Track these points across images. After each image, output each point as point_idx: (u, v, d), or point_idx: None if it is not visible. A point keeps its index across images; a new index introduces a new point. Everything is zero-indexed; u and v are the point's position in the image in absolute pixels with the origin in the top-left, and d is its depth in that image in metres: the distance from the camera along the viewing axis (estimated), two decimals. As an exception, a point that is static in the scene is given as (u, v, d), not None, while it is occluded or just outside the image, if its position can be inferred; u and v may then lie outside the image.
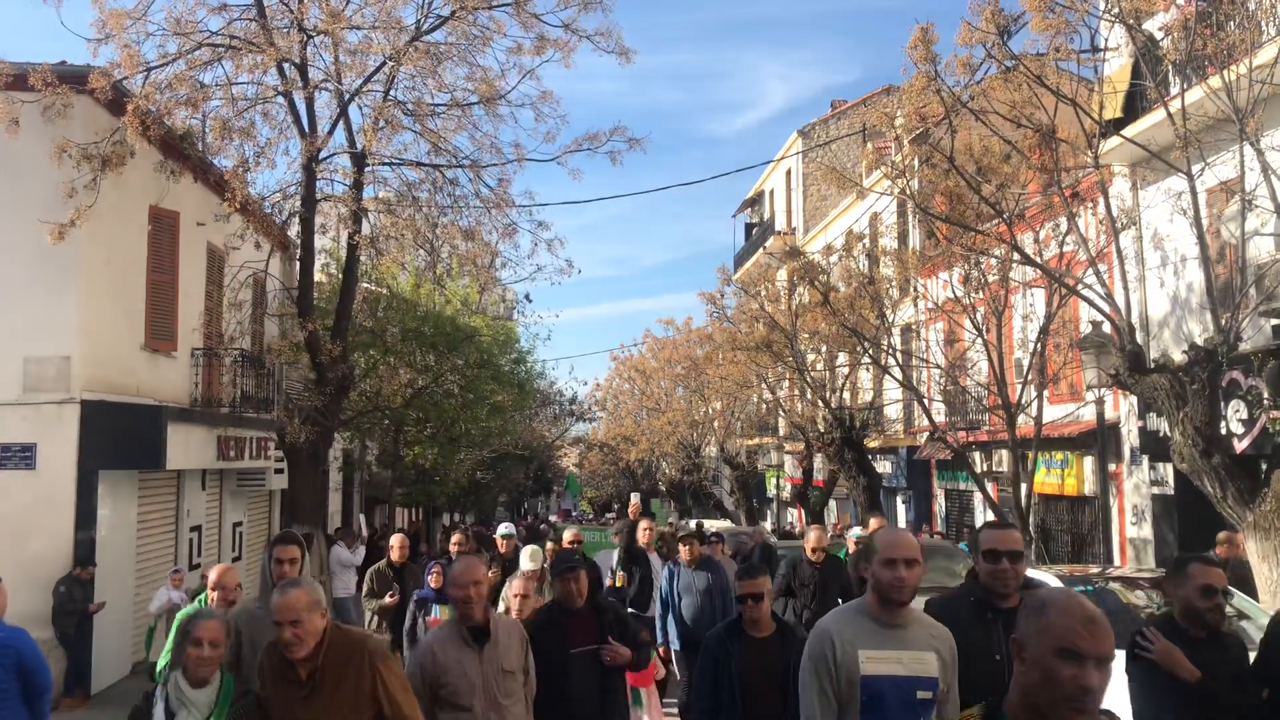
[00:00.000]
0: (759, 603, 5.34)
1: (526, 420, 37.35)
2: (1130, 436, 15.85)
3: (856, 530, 11.00)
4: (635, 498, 21.06)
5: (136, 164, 12.79)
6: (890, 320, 19.29)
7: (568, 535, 10.74)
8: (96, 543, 12.88)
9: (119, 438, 13.12)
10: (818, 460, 24.89)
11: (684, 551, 9.57)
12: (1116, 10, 10.15)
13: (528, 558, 8.96)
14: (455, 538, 11.28)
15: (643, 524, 11.57)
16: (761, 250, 34.30)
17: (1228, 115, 9.22)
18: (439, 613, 8.23)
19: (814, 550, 9.56)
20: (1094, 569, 10.18)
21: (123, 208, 13.59)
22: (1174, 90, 10.57)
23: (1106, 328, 11.17)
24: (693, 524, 23.72)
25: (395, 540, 11.24)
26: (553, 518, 50.99)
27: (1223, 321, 9.32)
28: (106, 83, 11.95)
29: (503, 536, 11.29)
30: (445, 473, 27.23)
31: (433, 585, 8.78)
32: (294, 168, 14.04)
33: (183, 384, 15.60)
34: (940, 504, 24.02)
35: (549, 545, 12.02)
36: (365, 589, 10.86)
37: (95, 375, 13.14)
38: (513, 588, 6.75)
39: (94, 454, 12.88)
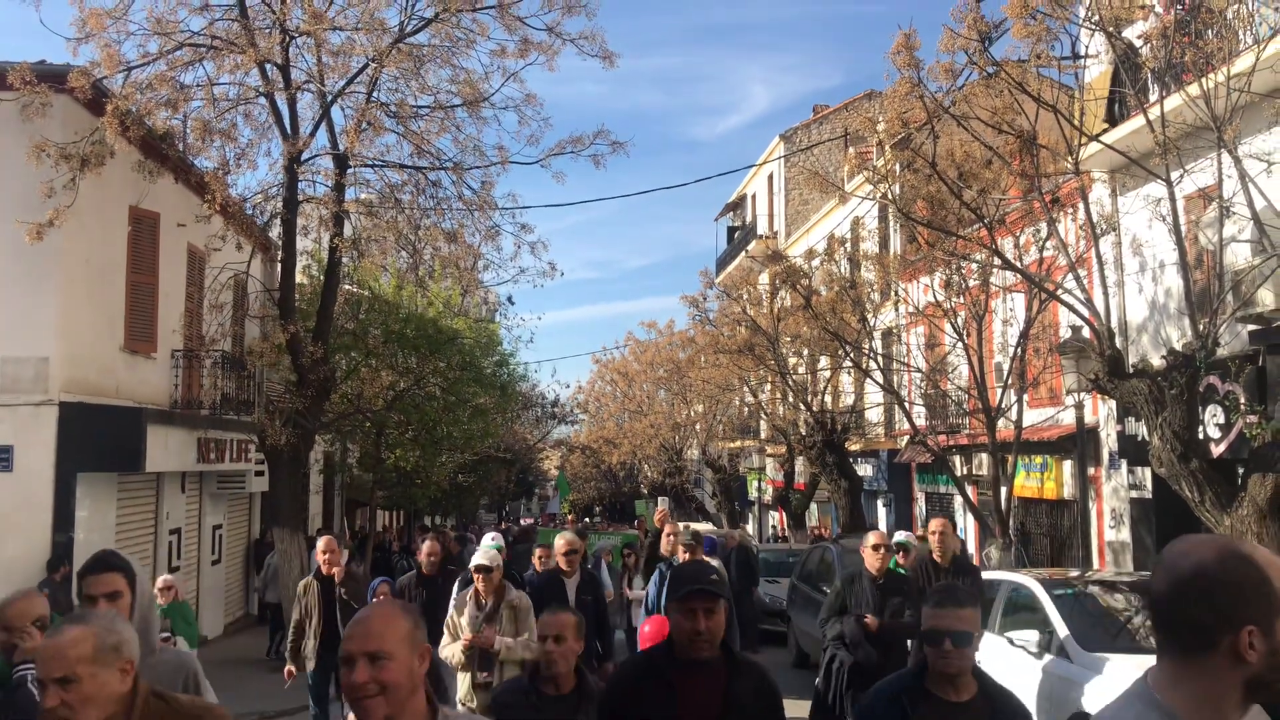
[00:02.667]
0: (963, 647, 3.37)
1: (508, 423, 37.23)
2: (1109, 441, 15.96)
3: (902, 535, 9.38)
4: (663, 503, 20.56)
5: (116, 164, 12.70)
6: (871, 324, 19.38)
7: (560, 544, 8.17)
8: (74, 545, 12.77)
9: (98, 440, 13.01)
10: (799, 463, 24.96)
11: (683, 557, 8.65)
12: (1096, 18, 10.24)
13: (482, 554, 6.90)
14: (427, 546, 8.94)
15: (667, 529, 10.65)
16: (743, 254, 34.37)
17: (1206, 123, 9.31)
18: None
19: (942, 553, 8.14)
20: (1073, 572, 10.26)
21: (102, 208, 13.49)
22: (1153, 97, 10.67)
23: (1086, 333, 11.26)
24: (681, 526, 23.73)
25: (321, 545, 8.78)
26: (525, 521, 49.98)
27: (1200, 327, 9.41)
28: (86, 82, 11.86)
29: (478, 569, 6.91)
30: (427, 475, 27.10)
31: None
32: (276, 169, 14.01)
33: (163, 386, 15.49)
34: (921, 507, 24.10)
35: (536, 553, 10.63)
36: (295, 611, 8.59)
37: (74, 377, 13.03)
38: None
39: (72, 456, 12.77)
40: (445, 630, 6.78)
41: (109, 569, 3.68)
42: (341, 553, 13.70)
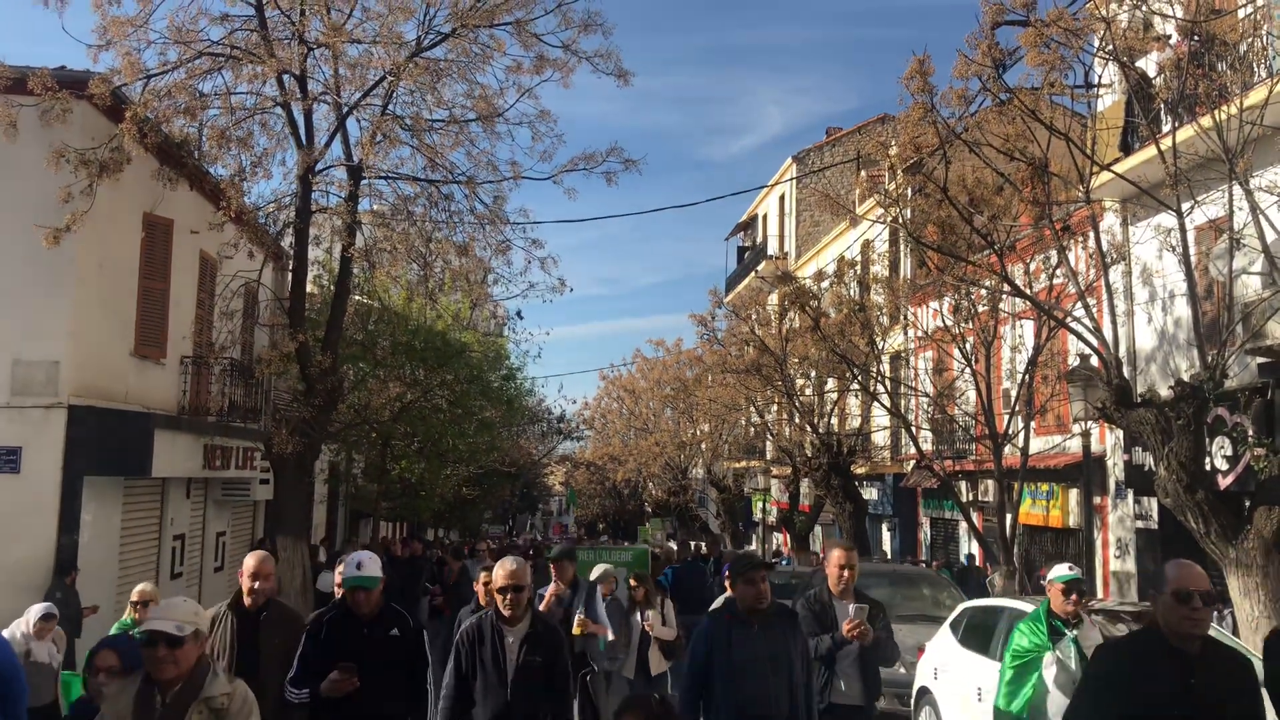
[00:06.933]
0: None
1: (514, 437, 37.28)
2: (1116, 470, 15.91)
3: (1063, 570, 6.07)
4: (841, 552, 19.00)
5: (132, 171, 12.79)
6: (880, 347, 19.37)
7: (498, 575, 5.35)
8: (79, 549, 12.79)
9: (105, 444, 13.05)
10: (804, 485, 24.91)
11: (744, 592, 5.37)
12: (1110, 48, 10.27)
13: (166, 611, 3.77)
14: (250, 563, 5.75)
15: (835, 556, 6.62)
16: (753, 274, 34.42)
17: (1218, 154, 9.33)
18: None
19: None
20: (1077, 601, 10.20)
21: (117, 214, 13.58)
22: (1165, 128, 10.70)
23: (1094, 361, 11.25)
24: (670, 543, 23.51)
25: (248, 564, 5.77)
26: (521, 539, 49.02)
27: (1209, 358, 9.39)
28: (106, 89, 11.96)
29: (150, 639, 3.80)
30: (431, 488, 27.17)
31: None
32: (290, 178, 14.07)
33: (171, 392, 15.55)
34: (926, 532, 24.02)
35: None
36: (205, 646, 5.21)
37: (84, 380, 13.09)
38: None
39: (80, 459, 12.80)
40: None
41: None
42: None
